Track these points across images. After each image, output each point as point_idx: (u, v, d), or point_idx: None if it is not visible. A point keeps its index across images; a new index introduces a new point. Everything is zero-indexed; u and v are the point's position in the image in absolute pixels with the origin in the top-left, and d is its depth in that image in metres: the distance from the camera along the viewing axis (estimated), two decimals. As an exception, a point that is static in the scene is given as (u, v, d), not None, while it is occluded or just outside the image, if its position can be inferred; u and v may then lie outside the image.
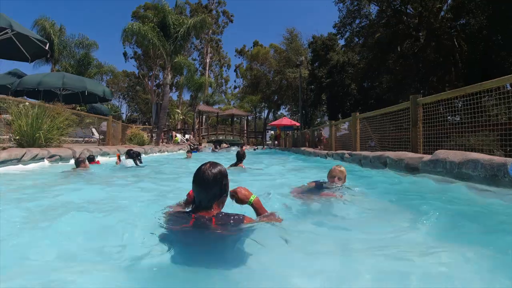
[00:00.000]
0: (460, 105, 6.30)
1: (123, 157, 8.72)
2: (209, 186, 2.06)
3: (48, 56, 26.74)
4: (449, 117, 6.69)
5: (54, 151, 7.97)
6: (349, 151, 8.46)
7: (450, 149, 6.11)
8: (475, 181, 3.73)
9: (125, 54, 50.68)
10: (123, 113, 66.76)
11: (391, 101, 19.51)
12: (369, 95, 27.84)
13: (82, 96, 18.95)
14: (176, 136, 24.70)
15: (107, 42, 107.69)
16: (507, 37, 16.23)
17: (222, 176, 2.12)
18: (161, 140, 21.51)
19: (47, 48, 13.28)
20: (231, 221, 2.05)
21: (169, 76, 21.81)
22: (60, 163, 7.92)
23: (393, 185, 4.71)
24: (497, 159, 3.51)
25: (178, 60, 23.12)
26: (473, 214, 2.85)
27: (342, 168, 4.01)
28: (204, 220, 2.01)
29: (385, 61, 21.96)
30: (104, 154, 10.58)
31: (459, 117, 6.54)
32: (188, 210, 2.30)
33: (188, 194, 2.46)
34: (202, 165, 2.14)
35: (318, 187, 3.93)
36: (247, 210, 2.34)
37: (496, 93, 5.08)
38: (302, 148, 15.51)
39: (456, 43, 19.69)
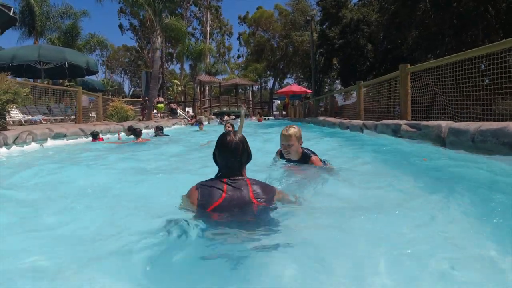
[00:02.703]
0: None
1: (122, 134, 9.41)
2: (239, 153, 2.08)
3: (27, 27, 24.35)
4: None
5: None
6: (406, 121, 5.52)
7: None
8: None
9: (120, 27, 47.29)
10: (124, 89, 64.45)
11: (416, 61, 16.30)
12: (387, 59, 24.33)
13: (67, 69, 16.85)
14: (160, 103, 21.77)
15: (103, 15, 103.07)
16: None
17: (247, 143, 2.17)
18: (152, 115, 18.73)
19: (11, 13, 12.67)
20: (266, 189, 2.07)
21: (159, 40, 18.69)
22: None
23: None
24: None
25: (169, 22, 19.98)
26: None
27: (291, 131, 3.37)
28: (239, 182, 2.03)
29: (413, 12, 18.35)
30: (56, 136, 7.74)
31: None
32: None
33: None
34: (226, 134, 2.14)
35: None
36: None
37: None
38: (321, 118, 12.47)
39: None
